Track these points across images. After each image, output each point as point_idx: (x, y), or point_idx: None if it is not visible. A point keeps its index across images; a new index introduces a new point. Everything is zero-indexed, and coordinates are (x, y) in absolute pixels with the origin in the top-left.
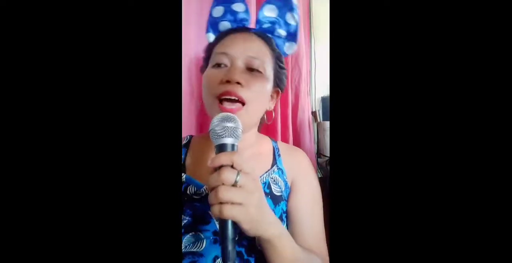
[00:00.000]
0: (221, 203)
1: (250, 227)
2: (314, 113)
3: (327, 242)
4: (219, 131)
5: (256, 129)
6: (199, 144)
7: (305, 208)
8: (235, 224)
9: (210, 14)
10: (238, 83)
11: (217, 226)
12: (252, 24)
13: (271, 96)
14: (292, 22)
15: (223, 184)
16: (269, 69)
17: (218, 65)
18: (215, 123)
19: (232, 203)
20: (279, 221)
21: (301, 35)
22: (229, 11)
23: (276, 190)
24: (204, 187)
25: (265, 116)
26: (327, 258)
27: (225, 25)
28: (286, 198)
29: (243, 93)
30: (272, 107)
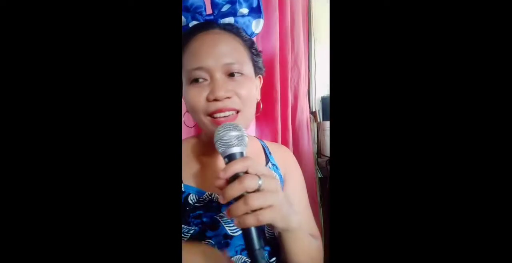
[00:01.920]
0: (252, 211)
1: (282, 224)
2: (314, 114)
3: (327, 242)
4: (227, 140)
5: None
6: (188, 148)
7: (297, 197)
8: (259, 233)
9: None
10: (227, 98)
11: (227, 229)
12: (208, 9)
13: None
14: None
15: (246, 191)
16: (247, 65)
17: (195, 80)
18: (221, 134)
19: (262, 208)
20: (295, 210)
21: (299, 35)
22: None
23: None
24: (207, 193)
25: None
26: (320, 237)
27: (187, 28)
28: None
29: (234, 104)
30: (259, 97)
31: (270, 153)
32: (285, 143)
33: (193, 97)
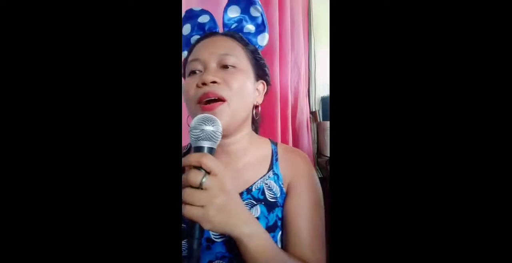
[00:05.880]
0: (186, 203)
1: (211, 226)
2: (314, 114)
3: (327, 242)
4: (198, 133)
5: (249, 129)
6: None
7: (302, 214)
8: (201, 227)
9: (182, 34)
10: (213, 82)
11: (210, 233)
12: (220, 29)
13: (257, 89)
14: (257, 14)
15: (189, 185)
16: (244, 63)
17: (193, 72)
18: (195, 125)
19: (193, 205)
20: (254, 220)
21: (299, 35)
22: (196, 25)
23: (270, 196)
24: None
25: (253, 111)
26: None
27: (196, 39)
28: (281, 204)
29: (222, 91)
30: (260, 102)
31: (277, 159)
32: (285, 143)
33: (187, 86)
